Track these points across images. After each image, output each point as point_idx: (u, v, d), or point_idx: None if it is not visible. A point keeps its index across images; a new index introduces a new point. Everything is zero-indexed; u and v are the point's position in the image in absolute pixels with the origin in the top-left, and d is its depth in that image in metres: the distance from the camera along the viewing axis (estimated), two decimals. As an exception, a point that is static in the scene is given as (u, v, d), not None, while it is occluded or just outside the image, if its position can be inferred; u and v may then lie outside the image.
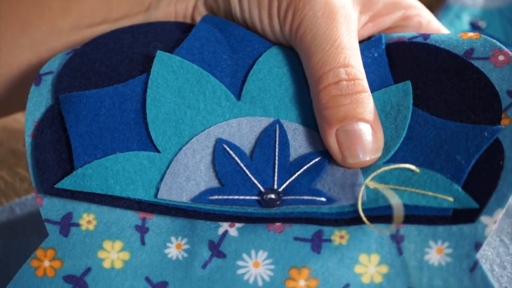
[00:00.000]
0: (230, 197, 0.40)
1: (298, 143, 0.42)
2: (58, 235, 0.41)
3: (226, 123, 0.43)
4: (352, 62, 0.42)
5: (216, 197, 0.40)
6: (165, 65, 0.44)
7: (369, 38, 0.46)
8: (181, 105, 0.43)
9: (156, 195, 0.40)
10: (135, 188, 0.41)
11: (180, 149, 0.42)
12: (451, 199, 0.38)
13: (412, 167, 0.39)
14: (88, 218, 0.41)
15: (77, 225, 0.41)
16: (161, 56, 0.44)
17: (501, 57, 0.40)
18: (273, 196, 0.40)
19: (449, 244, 0.37)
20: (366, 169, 0.40)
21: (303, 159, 0.41)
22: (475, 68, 0.41)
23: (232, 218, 0.40)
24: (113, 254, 0.40)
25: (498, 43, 0.41)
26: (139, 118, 0.43)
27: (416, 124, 0.41)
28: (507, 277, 0.44)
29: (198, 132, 0.42)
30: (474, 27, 0.60)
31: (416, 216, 0.38)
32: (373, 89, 0.42)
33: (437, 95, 0.42)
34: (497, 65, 0.40)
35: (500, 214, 0.37)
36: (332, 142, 0.41)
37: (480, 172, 0.38)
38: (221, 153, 0.42)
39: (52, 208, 0.41)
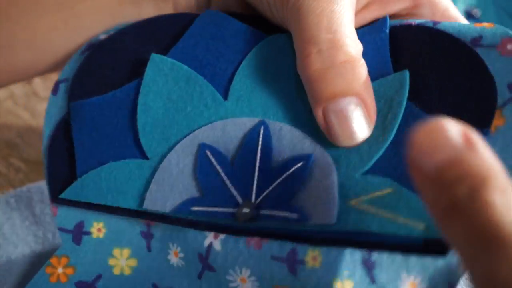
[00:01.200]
0: (209, 209, 0.39)
1: (283, 145, 0.39)
2: (71, 243, 0.41)
3: (211, 126, 0.40)
4: (336, 30, 0.38)
5: (196, 208, 0.39)
6: (158, 68, 0.42)
7: (373, 22, 0.42)
8: (170, 108, 0.41)
9: (143, 205, 0.40)
10: (124, 198, 0.40)
11: (165, 155, 0.40)
12: (421, 226, 0.34)
13: (387, 190, 0.36)
14: (98, 226, 0.41)
15: (89, 233, 0.41)
16: (154, 59, 0.42)
17: (510, 46, 0.37)
18: (247, 210, 0.38)
19: (421, 279, 0.35)
20: (342, 182, 0.37)
21: (285, 165, 0.38)
22: (478, 57, 0.37)
23: (216, 228, 0.39)
24: (122, 261, 0.41)
25: (509, 31, 0.37)
26: (131, 124, 0.42)
27: (405, 123, 0.37)
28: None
29: (184, 136, 0.41)
30: (468, 15, 0.59)
31: (388, 242, 0.35)
32: (370, 78, 0.39)
33: (434, 86, 0.38)
34: (504, 53, 0.37)
35: None
36: (321, 121, 0.38)
37: None
38: (203, 160, 0.40)
39: (65, 217, 0.42)
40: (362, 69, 0.38)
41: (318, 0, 0.39)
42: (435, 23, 0.39)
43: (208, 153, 0.40)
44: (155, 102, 0.42)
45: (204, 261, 0.39)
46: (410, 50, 0.39)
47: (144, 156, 0.41)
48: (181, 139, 0.41)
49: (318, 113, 0.38)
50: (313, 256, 0.37)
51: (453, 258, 0.33)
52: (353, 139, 0.37)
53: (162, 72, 0.42)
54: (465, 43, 0.38)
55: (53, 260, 0.41)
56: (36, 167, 0.51)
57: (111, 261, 0.41)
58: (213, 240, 0.39)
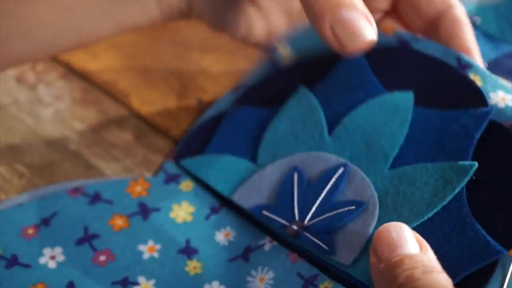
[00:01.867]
0: (273, 216, 0.45)
1: (350, 187, 0.44)
2: (161, 182, 0.50)
3: (308, 154, 0.47)
4: None
5: (265, 212, 0.45)
6: (299, 97, 0.49)
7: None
8: (288, 131, 0.48)
9: (231, 195, 0.47)
10: (223, 185, 0.48)
11: (266, 165, 0.47)
12: None
13: None
14: (187, 183, 0.50)
15: (178, 183, 0.50)
16: (299, 90, 0.50)
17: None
18: (295, 227, 0.43)
19: None
20: (371, 236, 0.41)
21: (341, 204, 0.43)
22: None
23: (274, 235, 0.46)
24: (181, 212, 0.48)
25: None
26: (260, 134, 0.49)
27: (449, 208, 0.41)
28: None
29: (286, 155, 0.47)
30: None
31: None
32: (445, 158, 0.42)
33: (491, 194, 0.41)
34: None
35: None
36: (329, 35, 0.42)
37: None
38: (288, 178, 0.46)
39: (172, 167, 0.51)
40: None
41: None
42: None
43: (295, 175, 0.46)
44: (283, 123, 0.49)
45: (247, 251, 0.45)
46: (492, 151, 0.42)
47: (254, 161, 0.48)
48: (283, 157, 0.47)
49: (325, 27, 0.42)
50: (326, 286, 0.42)
51: None
52: (363, 40, 0.42)
53: (300, 101, 0.49)
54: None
55: (140, 181, 0.50)
56: (39, 172, 0.52)
57: (175, 207, 0.48)
58: (267, 243, 0.45)
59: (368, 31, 0.42)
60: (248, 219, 0.47)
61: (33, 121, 0.56)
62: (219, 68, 0.60)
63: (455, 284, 0.36)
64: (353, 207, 0.43)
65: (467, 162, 0.41)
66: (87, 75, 0.60)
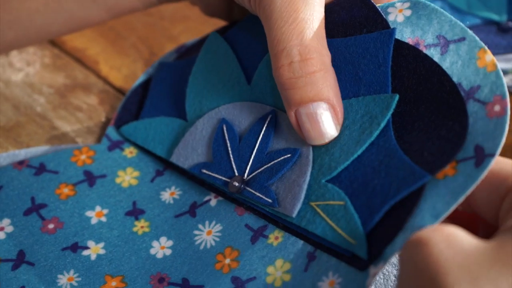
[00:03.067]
0: (213, 174, 0.45)
1: (281, 135, 0.44)
2: (105, 150, 0.51)
3: (233, 105, 0.47)
4: (306, 41, 0.41)
5: (205, 171, 0.46)
6: (212, 45, 0.49)
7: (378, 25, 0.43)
8: (208, 81, 0.49)
9: (170, 157, 0.48)
10: (161, 148, 0.49)
11: (195, 122, 0.48)
12: (353, 242, 0.38)
13: (339, 202, 0.40)
14: (131, 150, 0.51)
15: (122, 149, 0.51)
16: (212, 37, 0.50)
17: (496, 107, 0.37)
18: (236, 184, 0.44)
19: (341, 281, 0.38)
20: (311, 183, 0.42)
21: (277, 154, 0.44)
22: (465, 114, 0.38)
23: (218, 191, 0.46)
24: (127, 177, 0.49)
25: (504, 88, 0.38)
26: (183, 89, 0.50)
27: (377, 145, 0.40)
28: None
29: (212, 109, 0.48)
30: (504, 29, 0.60)
31: (328, 245, 0.40)
32: (367, 91, 0.42)
33: (415, 122, 0.40)
34: (489, 115, 0.38)
35: (381, 268, 0.36)
36: (294, 122, 0.42)
37: (388, 220, 0.38)
38: (219, 133, 0.46)
39: (114, 133, 0.52)
40: (330, 77, 0.41)
41: (287, 5, 0.41)
42: (443, 51, 0.41)
43: (224, 128, 0.46)
44: (201, 74, 0.49)
45: (193, 207, 0.47)
46: (409, 78, 0.41)
47: (185, 118, 0.49)
48: (209, 110, 0.48)
49: (291, 115, 0.42)
50: (276, 236, 0.43)
51: (367, 272, 0.37)
52: (323, 138, 0.41)
53: (213, 49, 0.49)
54: (460, 95, 0.39)
55: (84, 149, 0.51)
56: (5, 133, 0.54)
57: (120, 172, 0.50)
58: (212, 198, 0.46)
59: (329, 128, 0.41)
60: (192, 178, 0.48)
61: (3, 85, 0.58)
62: (188, 37, 0.62)
63: (386, 214, 0.37)
64: (289, 155, 0.43)
65: (388, 95, 0.41)
66: (58, 42, 0.62)
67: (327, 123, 0.41)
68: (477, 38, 0.41)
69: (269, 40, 0.42)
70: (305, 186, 0.41)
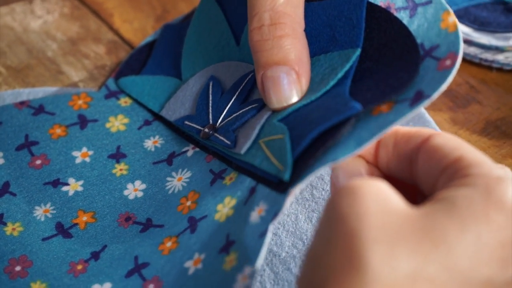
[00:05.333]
0: (192, 124, 0.48)
1: (258, 91, 0.46)
2: (102, 97, 0.54)
3: (222, 64, 0.50)
4: (278, 7, 0.42)
5: (187, 122, 0.48)
6: (204, 7, 0.52)
7: None
8: (201, 43, 0.51)
9: (160, 111, 0.51)
10: (154, 102, 0.52)
11: (187, 80, 0.50)
12: (281, 168, 0.40)
13: (279, 136, 0.41)
14: (126, 100, 0.53)
15: (118, 98, 0.53)
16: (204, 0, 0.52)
17: (448, 62, 0.39)
18: (206, 130, 0.47)
19: (266, 207, 0.40)
20: (264, 124, 0.43)
21: (247, 104, 0.46)
22: (417, 66, 0.40)
23: (197, 143, 0.49)
24: (117, 122, 0.52)
25: (459, 46, 0.39)
26: (180, 50, 0.53)
27: (331, 93, 0.42)
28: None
29: (204, 68, 0.50)
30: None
31: (265, 177, 0.41)
32: (340, 49, 0.44)
33: (373, 75, 0.41)
34: (438, 68, 0.39)
35: (298, 188, 0.38)
36: (259, 85, 0.43)
37: (315, 147, 0.39)
38: (205, 88, 0.49)
39: (113, 84, 0.54)
40: (299, 44, 0.42)
41: None
42: (411, 14, 0.43)
43: (210, 84, 0.49)
44: (195, 35, 0.51)
45: (171, 156, 0.49)
46: (379, 39, 0.43)
47: (180, 77, 0.52)
48: (201, 69, 0.50)
49: (258, 78, 0.43)
50: (230, 177, 0.45)
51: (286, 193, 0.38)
52: (282, 101, 0.43)
53: (206, 11, 0.52)
54: (418, 52, 0.40)
55: (75, 96, 0.54)
56: (15, 73, 0.57)
57: (111, 118, 0.52)
58: (190, 149, 0.49)
59: (289, 92, 0.42)
60: (177, 130, 0.51)
61: (22, 30, 0.61)
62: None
63: (316, 142, 0.38)
64: (256, 104, 0.45)
65: (351, 49, 0.42)
66: (79, -6, 0.65)
67: (288, 87, 0.42)
68: (443, 0, 0.42)
69: (247, 6, 0.44)
70: (258, 127, 0.43)
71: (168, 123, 0.51)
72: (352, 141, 0.37)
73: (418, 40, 0.41)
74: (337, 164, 0.37)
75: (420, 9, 0.42)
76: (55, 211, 0.47)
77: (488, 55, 0.57)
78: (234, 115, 0.46)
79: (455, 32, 0.40)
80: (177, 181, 0.47)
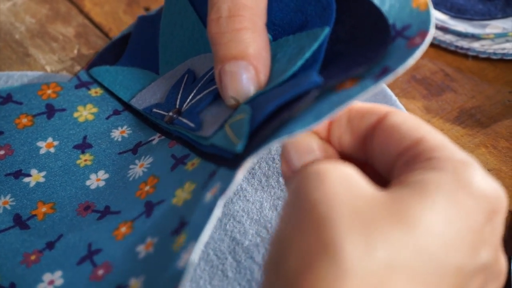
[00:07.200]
0: (159, 111, 0.47)
1: None
2: (72, 87, 0.52)
3: (198, 57, 0.48)
4: (238, 0, 0.41)
5: (155, 110, 0.48)
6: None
7: None
8: (176, 38, 0.50)
9: (130, 100, 0.50)
10: (125, 92, 0.50)
11: (165, 74, 0.50)
12: (236, 141, 0.38)
13: (242, 115, 0.40)
14: (96, 90, 0.52)
15: (88, 89, 0.52)
16: None
17: (417, 40, 0.38)
18: (171, 114, 0.46)
19: (219, 185, 0.38)
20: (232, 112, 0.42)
21: (209, 85, 0.45)
22: (385, 46, 0.39)
23: (164, 131, 0.48)
24: (85, 112, 0.50)
25: (430, 24, 0.38)
26: (158, 44, 0.51)
27: (299, 74, 0.40)
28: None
29: (181, 63, 0.49)
30: None
31: (221, 154, 0.40)
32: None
33: (343, 57, 0.40)
34: (407, 46, 0.38)
35: (249, 162, 0.36)
36: (217, 79, 0.42)
37: (274, 121, 0.37)
38: (180, 80, 0.48)
39: (85, 76, 0.53)
40: (259, 38, 0.41)
41: None
42: None
43: (186, 76, 0.47)
44: (168, 30, 0.50)
45: (136, 146, 0.48)
46: (350, 20, 0.42)
47: (157, 72, 0.50)
48: (178, 64, 0.49)
49: (215, 72, 0.42)
50: (192, 163, 0.43)
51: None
52: (238, 96, 0.41)
53: (174, 3, 0.50)
54: (389, 33, 0.39)
55: (45, 86, 0.52)
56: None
57: (80, 108, 0.51)
58: (156, 138, 0.48)
59: (245, 88, 0.41)
60: (146, 121, 0.49)
61: (-9, 12, 0.60)
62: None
63: (274, 116, 0.37)
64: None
65: (319, 29, 0.41)
66: (50, -24, 0.64)
67: (246, 83, 0.40)
68: None
69: None
70: (227, 112, 0.42)
71: (138, 113, 0.50)
72: (310, 116, 0.35)
73: (390, 21, 0.40)
74: (289, 140, 0.36)
75: None
76: (14, 203, 0.46)
77: (464, 43, 0.56)
78: (198, 97, 0.45)
79: (427, 10, 0.39)
80: (139, 168, 0.46)
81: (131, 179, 0.46)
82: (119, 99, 0.51)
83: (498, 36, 0.55)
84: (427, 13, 0.39)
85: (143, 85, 0.50)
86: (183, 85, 0.47)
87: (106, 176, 0.47)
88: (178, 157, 0.45)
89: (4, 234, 0.44)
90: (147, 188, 0.44)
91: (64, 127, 0.50)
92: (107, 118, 0.50)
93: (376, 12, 0.41)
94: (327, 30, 0.41)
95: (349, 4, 0.42)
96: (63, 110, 0.51)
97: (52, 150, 0.49)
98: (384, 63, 0.38)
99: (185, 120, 0.44)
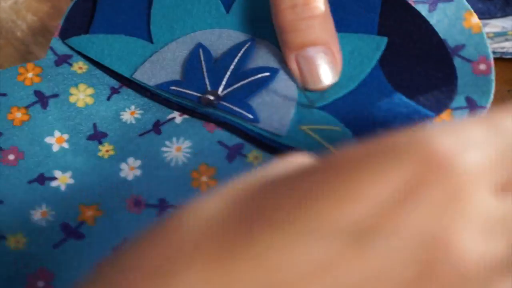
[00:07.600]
0: (183, 90, 0.44)
1: (260, 56, 0.44)
2: (52, 65, 0.48)
3: (210, 31, 0.46)
4: None
5: (174, 87, 0.45)
6: None
7: None
8: (179, 6, 0.47)
9: (132, 74, 0.46)
10: (120, 65, 0.47)
11: (167, 44, 0.46)
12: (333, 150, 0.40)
13: (336, 127, 0.41)
14: (80, 65, 0.48)
15: (70, 64, 0.48)
16: None
17: (482, 66, 0.40)
18: (211, 97, 0.43)
19: None
20: (300, 109, 0.42)
21: (254, 71, 0.44)
22: (453, 66, 0.41)
23: (184, 109, 0.45)
24: (81, 95, 0.47)
25: (488, 49, 0.40)
26: (148, 9, 0.48)
27: (368, 81, 0.42)
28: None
29: (186, 33, 0.47)
30: None
31: None
32: (353, 30, 0.43)
33: (405, 67, 0.42)
34: (475, 72, 0.40)
35: None
36: (293, 67, 0.43)
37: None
38: (194, 55, 0.45)
39: (59, 45, 0.49)
40: (330, 23, 0.42)
41: None
42: (431, 9, 0.43)
43: (200, 50, 0.45)
44: None
45: (156, 125, 0.45)
46: (396, 27, 0.43)
47: (150, 40, 0.47)
48: (183, 35, 0.46)
49: (291, 59, 0.42)
50: (255, 156, 0.42)
51: None
52: (320, 83, 0.42)
53: None
54: (447, 49, 0.41)
55: (29, 66, 0.48)
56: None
57: (73, 90, 0.47)
58: (177, 116, 0.45)
59: (326, 73, 0.42)
60: (151, 97, 0.46)
61: (-10, 8, 0.60)
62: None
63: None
64: (267, 73, 0.43)
65: (377, 36, 0.42)
66: (51, -26, 0.64)
67: (324, 68, 0.42)
68: (464, 0, 0.42)
69: None
70: (293, 108, 0.42)
71: (138, 89, 0.47)
72: None
73: (441, 36, 0.42)
74: None
75: (440, 5, 0.42)
76: (54, 212, 0.42)
77: (463, 42, 0.56)
78: (242, 82, 0.43)
79: (480, 34, 0.40)
80: (176, 151, 0.43)
81: (172, 164, 0.43)
82: (111, 74, 0.48)
83: (498, 35, 0.56)
84: (481, 37, 0.40)
85: (140, 56, 0.47)
86: (203, 63, 0.45)
87: (139, 162, 0.43)
88: (230, 145, 0.43)
89: (59, 249, 0.41)
90: (204, 178, 0.42)
91: (65, 115, 0.46)
92: (108, 99, 0.46)
93: (425, 23, 0.42)
94: (386, 41, 0.42)
95: (395, 9, 0.43)
96: (56, 95, 0.46)
97: (65, 145, 0.44)
98: (461, 91, 0.40)
99: (235, 108, 0.43)
